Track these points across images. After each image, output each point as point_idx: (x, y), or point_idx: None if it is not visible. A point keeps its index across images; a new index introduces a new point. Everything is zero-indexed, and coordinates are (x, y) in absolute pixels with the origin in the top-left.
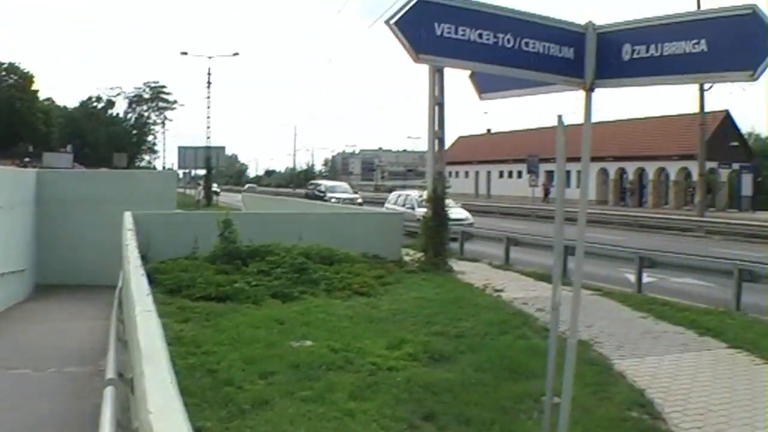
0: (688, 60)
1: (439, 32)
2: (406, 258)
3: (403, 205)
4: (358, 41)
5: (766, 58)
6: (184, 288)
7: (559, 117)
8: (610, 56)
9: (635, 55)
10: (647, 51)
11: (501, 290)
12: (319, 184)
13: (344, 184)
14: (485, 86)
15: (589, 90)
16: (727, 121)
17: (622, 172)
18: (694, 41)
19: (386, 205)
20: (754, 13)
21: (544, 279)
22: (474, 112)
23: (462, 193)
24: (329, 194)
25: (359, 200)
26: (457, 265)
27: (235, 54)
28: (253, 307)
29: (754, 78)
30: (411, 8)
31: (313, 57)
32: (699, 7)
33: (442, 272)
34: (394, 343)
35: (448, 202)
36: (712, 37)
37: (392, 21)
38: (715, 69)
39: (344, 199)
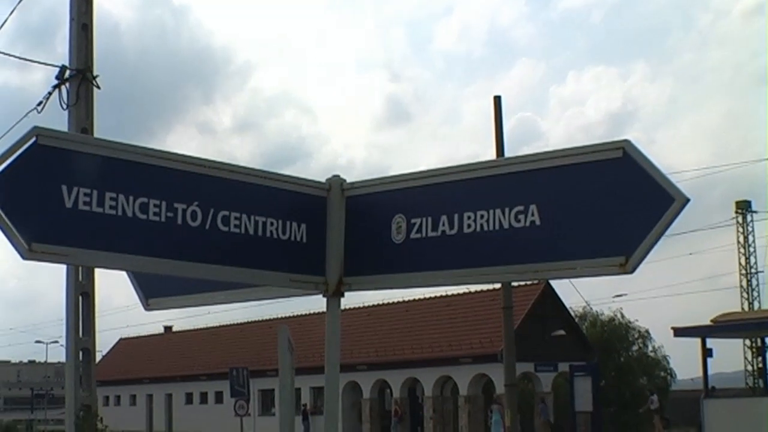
0: (508, 240)
1: (70, 202)
2: None
3: None
4: None
5: (648, 232)
6: None
7: (282, 329)
8: (361, 236)
9: (414, 234)
10: (435, 227)
11: None
12: None
13: None
14: (153, 288)
15: (335, 295)
16: (546, 296)
17: (383, 386)
18: (519, 208)
19: None
20: (625, 154)
21: None
22: None
23: None
24: None
25: None
26: None
27: None
28: None
29: (627, 269)
30: (16, 161)
31: None
32: (502, 149)
33: None
34: None
35: None
36: (550, 199)
37: None
38: (556, 256)
39: None
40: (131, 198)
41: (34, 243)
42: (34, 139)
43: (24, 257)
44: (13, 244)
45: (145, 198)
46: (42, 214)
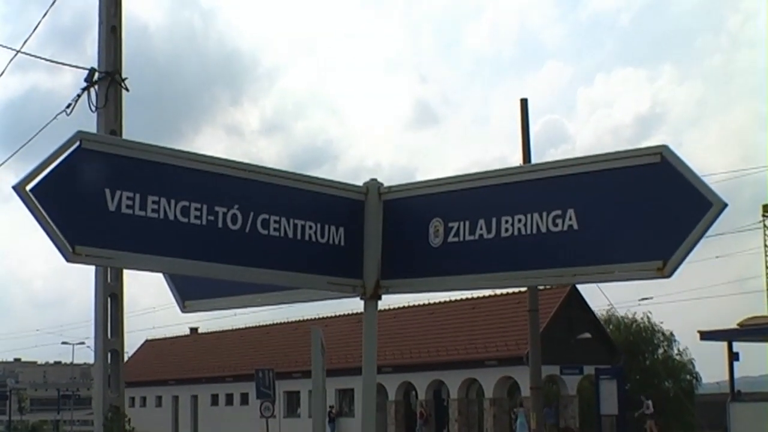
0: (546, 244)
1: (113, 206)
2: None
3: None
4: None
5: (686, 236)
6: None
7: (315, 331)
8: (399, 240)
9: (452, 237)
10: (473, 230)
11: None
12: None
13: None
14: (191, 290)
15: (373, 298)
16: (572, 299)
17: (408, 388)
18: (556, 213)
19: None
20: (663, 159)
21: None
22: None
23: None
24: None
25: None
26: None
27: None
28: None
29: (665, 273)
30: (60, 165)
31: None
32: (528, 152)
33: None
34: None
35: None
36: (587, 204)
37: (28, 187)
38: (591, 260)
39: None
40: (173, 201)
41: (78, 246)
42: (78, 143)
43: (68, 260)
44: (57, 247)
45: (187, 201)
46: (86, 217)
